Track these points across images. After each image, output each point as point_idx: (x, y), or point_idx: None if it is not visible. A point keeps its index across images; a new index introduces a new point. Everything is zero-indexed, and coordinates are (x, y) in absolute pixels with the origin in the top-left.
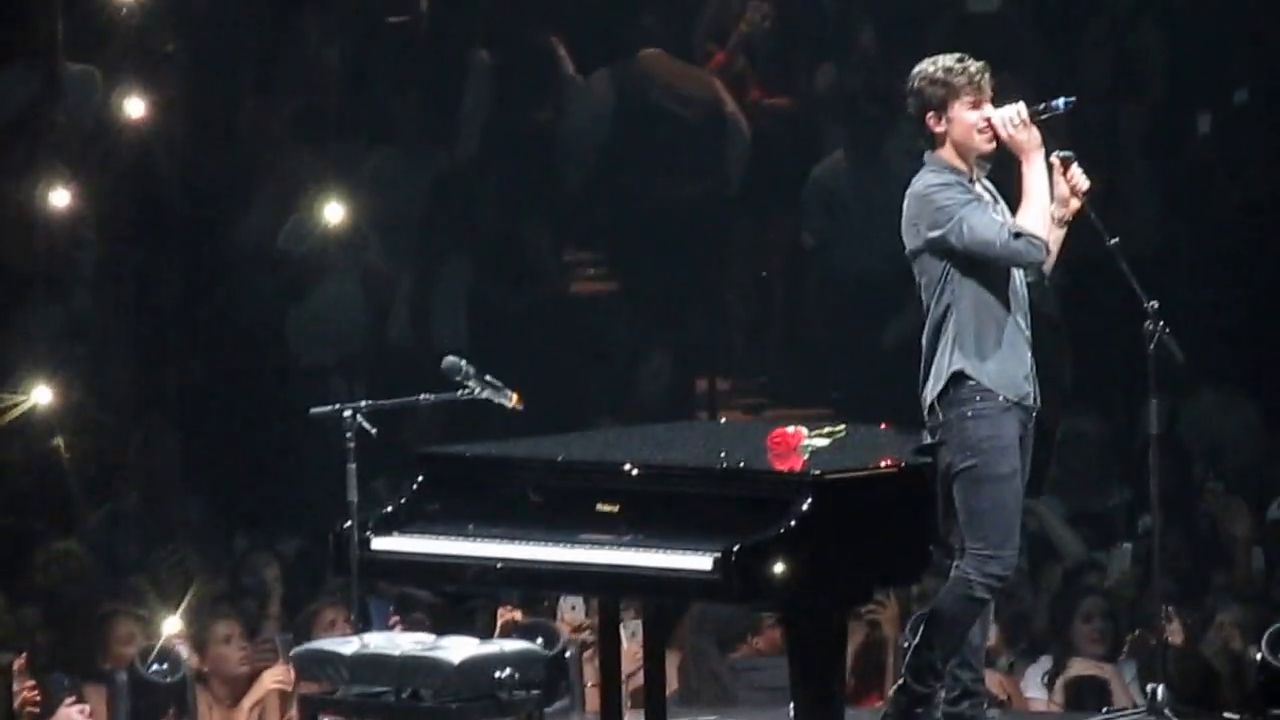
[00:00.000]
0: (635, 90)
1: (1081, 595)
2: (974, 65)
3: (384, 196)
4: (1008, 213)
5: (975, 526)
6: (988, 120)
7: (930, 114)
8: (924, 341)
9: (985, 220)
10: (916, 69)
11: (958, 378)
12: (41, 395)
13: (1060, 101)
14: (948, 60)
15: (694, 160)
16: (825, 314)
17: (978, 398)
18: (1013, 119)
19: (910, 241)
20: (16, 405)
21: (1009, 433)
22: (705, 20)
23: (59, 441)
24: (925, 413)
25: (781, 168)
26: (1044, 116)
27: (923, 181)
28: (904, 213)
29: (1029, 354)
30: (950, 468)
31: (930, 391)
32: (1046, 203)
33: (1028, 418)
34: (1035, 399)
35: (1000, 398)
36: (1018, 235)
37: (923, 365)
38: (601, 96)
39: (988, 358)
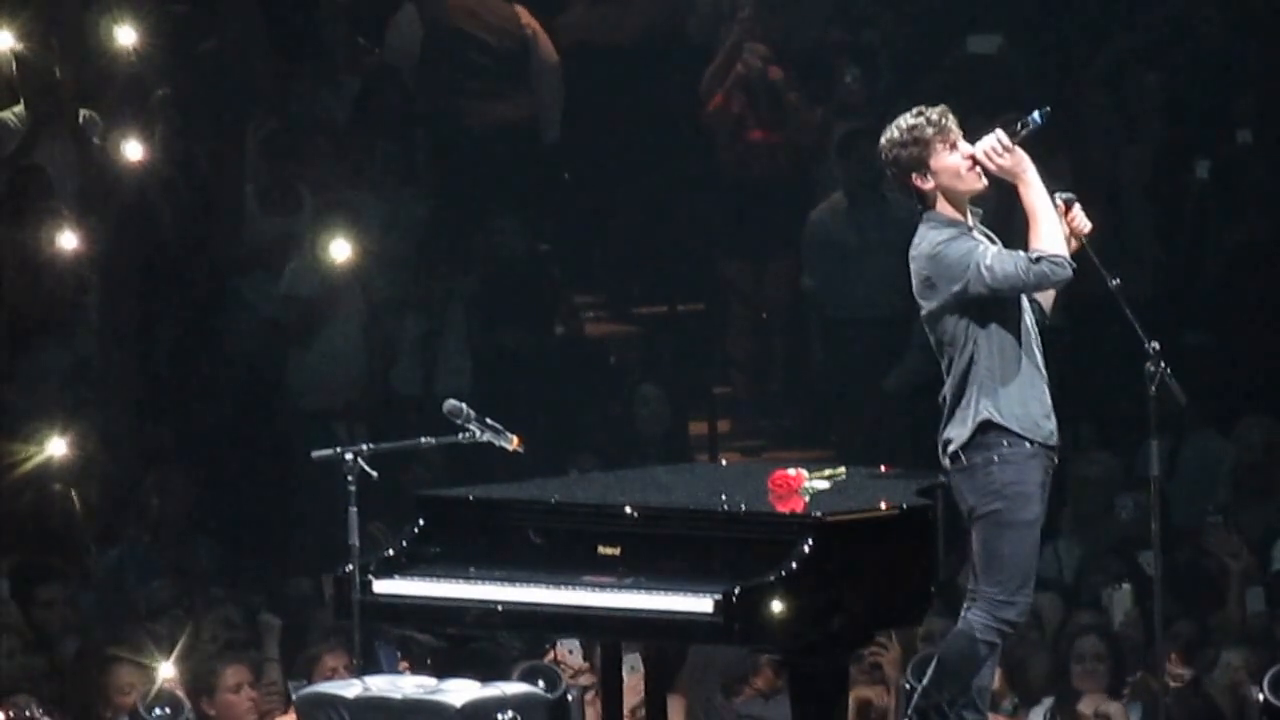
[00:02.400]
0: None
1: (1076, 635)
2: (933, 112)
3: (380, 239)
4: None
5: (993, 571)
6: (971, 157)
7: (914, 176)
8: (948, 394)
9: (1003, 256)
10: (882, 142)
11: (985, 426)
12: (56, 447)
13: (1036, 115)
14: (907, 119)
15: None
16: (826, 356)
17: (1005, 443)
18: (995, 148)
19: (928, 302)
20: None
21: (1034, 479)
22: (715, 66)
23: (59, 487)
24: (947, 459)
25: (780, 210)
26: (1023, 134)
27: (928, 241)
28: (915, 276)
29: (1046, 391)
30: (972, 511)
31: (956, 438)
32: (1055, 218)
33: (1051, 463)
34: (1056, 436)
35: (1027, 444)
36: (1037, 260)
37: (946, 412)
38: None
39: (1012, 402)
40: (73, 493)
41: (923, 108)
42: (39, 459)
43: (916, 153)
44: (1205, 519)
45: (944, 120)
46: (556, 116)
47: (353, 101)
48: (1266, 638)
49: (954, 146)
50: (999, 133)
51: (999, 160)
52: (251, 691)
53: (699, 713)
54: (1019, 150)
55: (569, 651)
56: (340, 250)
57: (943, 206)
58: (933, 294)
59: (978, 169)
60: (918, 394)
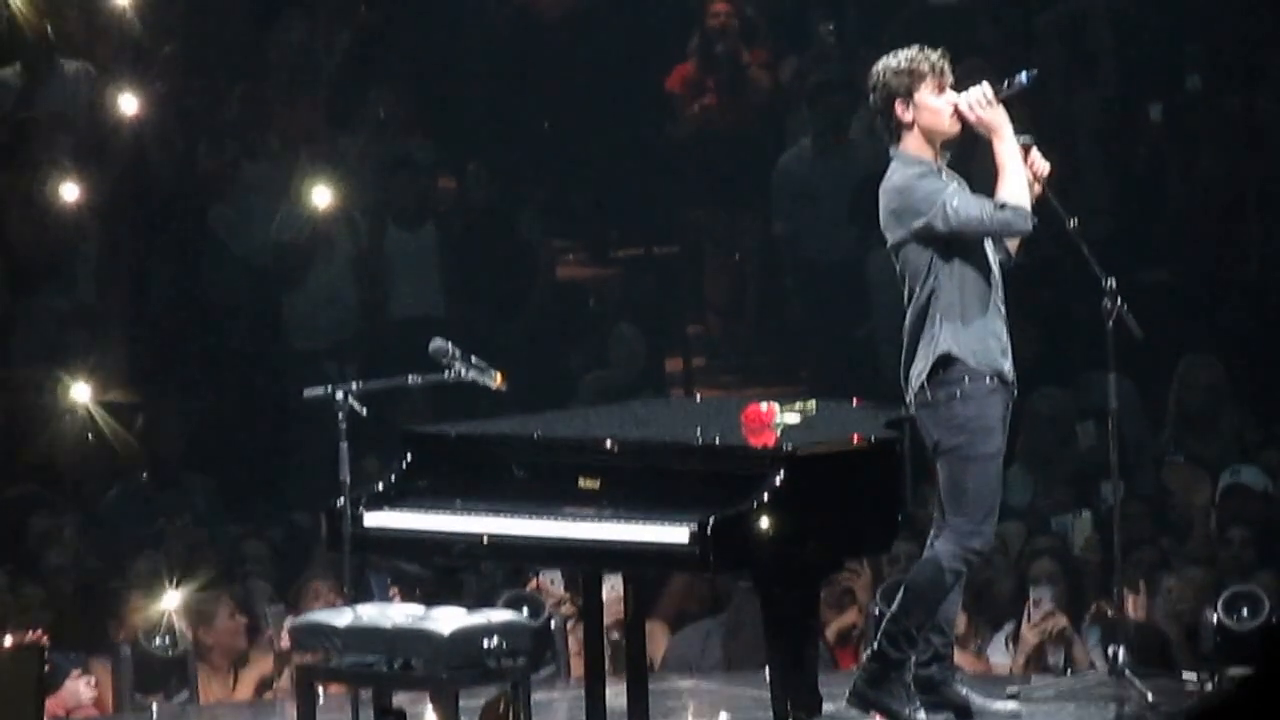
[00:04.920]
0: None
1: (1033, 558)
2: (934, 53)
3: (368, 182)
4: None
5: (958, 503)
6: (954, 105)
7: (897, 102)
8: (908, 326)
9: (969, 199)
10: (878, 65)
11: (945, 360)
12: (59, 388)
13: (1023, 76)
14: (908, 51)
15: None
16: (796, 296)
17: (966, 379)
18: (979, 100)
19: (893, 235)
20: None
21: (994, 414)
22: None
23: (70, 426)
24: (911, 393)
25: (751, 158)
26: (1008, 93)
27: (899, 175)
28: (883, 208)
29: (1005, 331)
30: (936, 446)
31: (918, 373)
32: (1024, 174)
33: (1010, 397)
34: (1013, 374)
35: (987, 379)
36: (1002, 206)
37: (906, 348)
38: None
39: (971, 338)
40: (87, 432)
41: (925, 47)
42: (47, 400)
43: (908, 82)
44: (1165, 457)
45: (941, 63)
46: None
47: (342, 53)
48: (1218, 560)
49: (943, 90)
50: (985, 86)
51: (980, 112)
52: (241, 616)
53: (740, 635)
54: (1000, 108)
55: (551, 582)
56: (323, 196)
57: (913, 144)
58: (898, 226)
59: (956, 115)
60: (888, 336)
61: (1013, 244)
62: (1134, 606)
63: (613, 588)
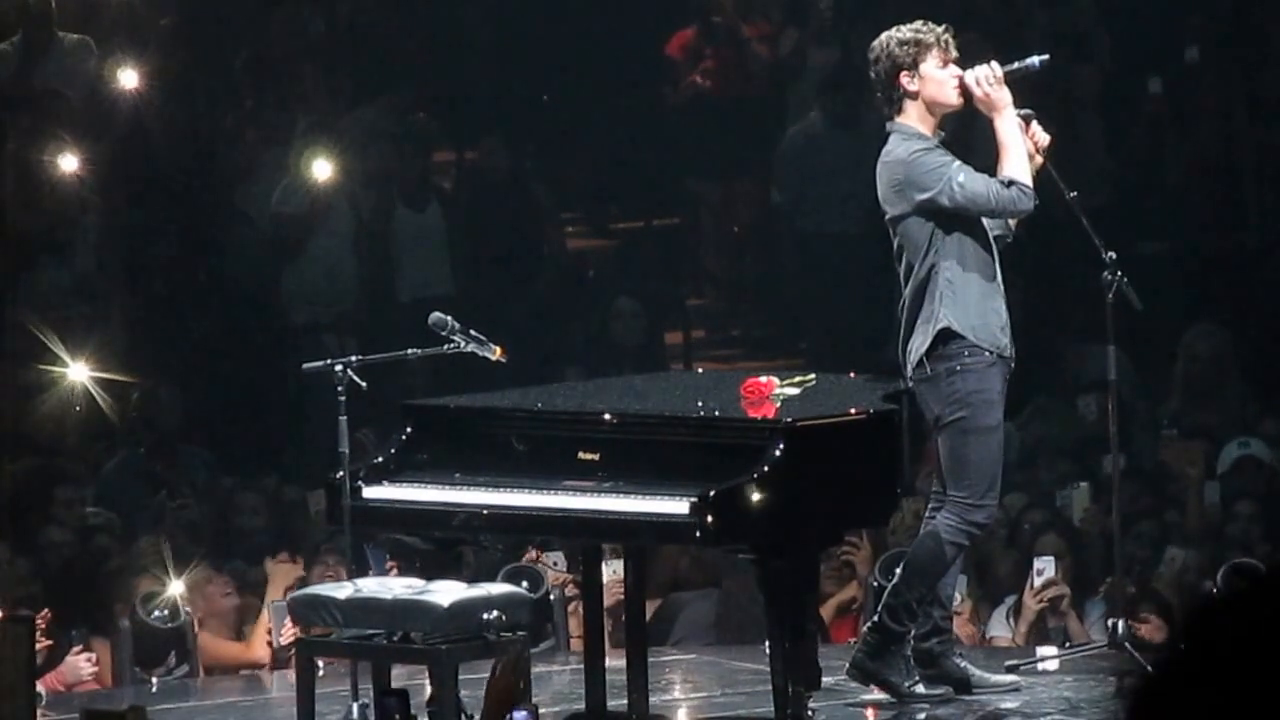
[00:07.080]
0: None
1: (1037, 534)
2: (940, 28)
3: (370, 154)
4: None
5: (960, 476)
6: (959, 78)
7: (902, 73)
8: (906, 300)
9: (974, 176)
10: (882, 37)
11: (945, 334)
12: (61, 363)
13: (1034, 60)
14: (914, 25)
15: None
16: (795, 268)
17: (966, 353)
18: (987, 77)
19: (894, 208)
20: None
21: (995, 387)
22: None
23: (75, 405)
24: (910, 368)
25: (749, 130)
26: (1016, 73)
27: (903, 149)
28: (883, 180)
29: (1004, 307)
30: (938, 420)
31: (917, 347)
32: (1024, 153)
33: (1009, 371)
34: (1011, 350)
35: (986, 353)
36: (1009, 184)
37: (905, 322)
38: None
39: (970, 313)
40: (85, 405)
41: (929, 22)
42: (48, 376)
43: (913, 53)
44: (1160, 431)
45: (946, 37)
46: None
47: (334, 22)
48: (1217, 534)
49: (947, 64)
50: (994, 64)
51: (986, 88)
52: (226, 587)
53: (731, 609)
54: (1005, 88)
55: (554, 564)
56: (323, 169)
57: (914, 116)
58: (900, 199)
59: (960, 90)
60: (882, 302)
61: (1013, 219)
62: (1137, 583)
63: (614, 571)
